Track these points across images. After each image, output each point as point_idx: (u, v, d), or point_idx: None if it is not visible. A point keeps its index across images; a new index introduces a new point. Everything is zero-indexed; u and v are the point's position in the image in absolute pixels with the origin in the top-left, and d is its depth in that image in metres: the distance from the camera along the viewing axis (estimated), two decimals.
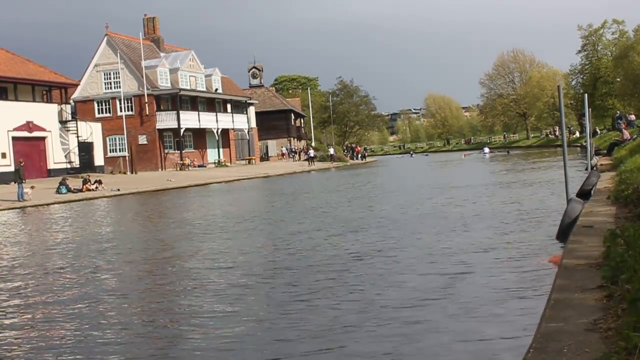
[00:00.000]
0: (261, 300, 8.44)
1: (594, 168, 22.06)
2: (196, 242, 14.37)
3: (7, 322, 7.96)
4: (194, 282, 9.80)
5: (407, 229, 14.12)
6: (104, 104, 58.76)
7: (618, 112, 61.67)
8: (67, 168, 46.85)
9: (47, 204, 31.21)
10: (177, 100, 58.66)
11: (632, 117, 52.42)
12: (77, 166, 48.14)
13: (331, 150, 77.77)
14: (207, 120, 62.74)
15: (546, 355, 4.16)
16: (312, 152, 70.39)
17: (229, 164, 65.09)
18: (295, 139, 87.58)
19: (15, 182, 32.59)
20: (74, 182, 37.84)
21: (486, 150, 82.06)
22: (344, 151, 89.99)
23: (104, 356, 6.38)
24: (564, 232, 10.37)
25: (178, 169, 55.88)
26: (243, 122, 71.44)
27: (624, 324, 4.41)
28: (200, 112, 61.95)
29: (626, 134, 37.00)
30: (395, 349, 6.06)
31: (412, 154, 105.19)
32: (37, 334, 7.32)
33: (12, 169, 39.69)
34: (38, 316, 8.18)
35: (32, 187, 32.70)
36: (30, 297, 9.41)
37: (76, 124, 49.84)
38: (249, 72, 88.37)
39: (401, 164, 66.85)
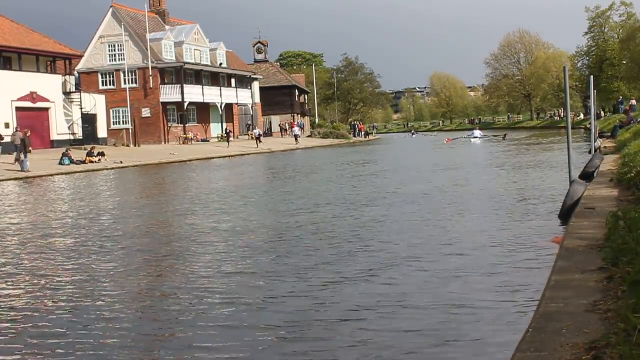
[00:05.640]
0: None
1: (598, 150, 22.01)
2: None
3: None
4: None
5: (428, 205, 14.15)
6: (108, 76, 58.59)
7: (621, 97, 61.42)
8: (70, 140, 46.72)
9: (50, 175, 31.31)
10: (182, 74, 58.45)
11: (633, 102, 52.24)
12: (81, 138, 48.00)
13: (296, 130, 65.98)
14: (211, 94, 62.53)
15: (545, 335, 4.18)
16: (257, 131, 59.67)
17: (232, 138, 64.82)
18: (299, 115, 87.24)
19: (20, 152, 32.31)
20: (77, 154, 37.84)
21: (477, 134, 62.74)
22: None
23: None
24: (566, 213, 10.40)
25: (181, 142, 55.79)
26: (247, 97, 71.20)
27: (624, 305, 4.43)
28: (204, 87, 61.69)
29: (631, 116, 36.90)
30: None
31: (413, 134, 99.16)
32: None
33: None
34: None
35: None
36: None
37: (80, 95, 49.64)
38: (253, 47, 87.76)
39: (402, 144, 66.47)
